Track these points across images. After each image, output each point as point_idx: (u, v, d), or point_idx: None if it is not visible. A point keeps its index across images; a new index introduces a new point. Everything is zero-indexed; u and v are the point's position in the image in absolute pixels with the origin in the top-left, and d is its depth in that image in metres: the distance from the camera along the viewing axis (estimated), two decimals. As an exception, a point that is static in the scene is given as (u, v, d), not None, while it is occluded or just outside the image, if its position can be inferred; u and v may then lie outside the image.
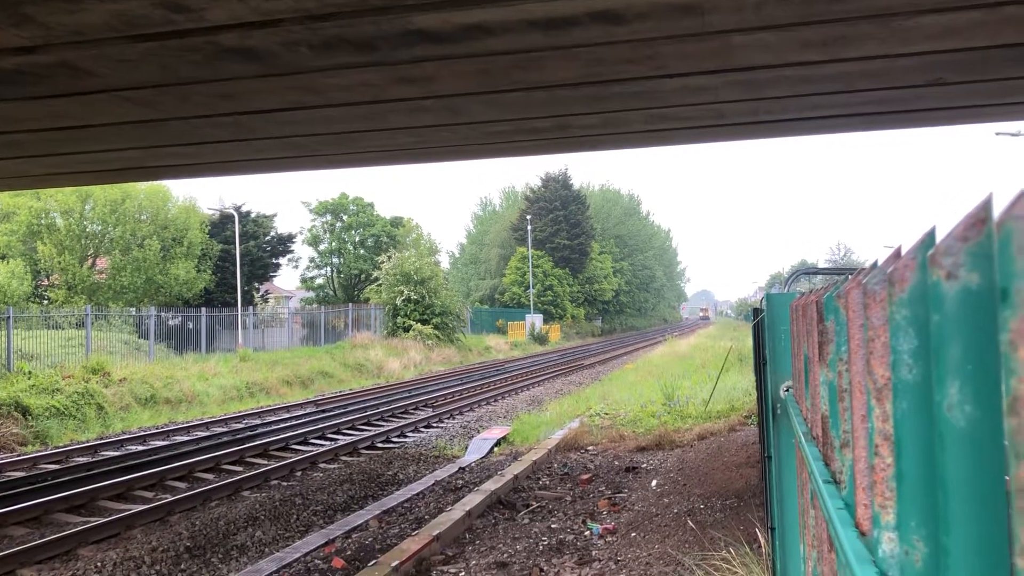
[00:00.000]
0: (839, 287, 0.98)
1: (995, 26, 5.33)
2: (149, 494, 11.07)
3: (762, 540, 5.45)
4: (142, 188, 34.61)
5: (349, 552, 8.38)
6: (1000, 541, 0.42)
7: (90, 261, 34.54)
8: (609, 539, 8.03)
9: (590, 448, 13.17)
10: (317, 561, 8.14)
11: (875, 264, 0.76)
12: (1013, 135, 30.22)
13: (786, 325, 2.10)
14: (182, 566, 8.32)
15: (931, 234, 0.54)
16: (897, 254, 0.67)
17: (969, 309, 0.44)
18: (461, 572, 7.46)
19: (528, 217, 62.16)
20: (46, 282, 34.35)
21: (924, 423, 0.55)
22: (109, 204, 33.38)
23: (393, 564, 7.18)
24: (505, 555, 7.85)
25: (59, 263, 32.45)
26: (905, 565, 0.56)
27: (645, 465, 11.39)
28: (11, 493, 10.45)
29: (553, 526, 8.76)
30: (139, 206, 34.86)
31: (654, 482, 9.97)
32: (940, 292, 0.44)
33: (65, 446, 14.85)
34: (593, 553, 7.65)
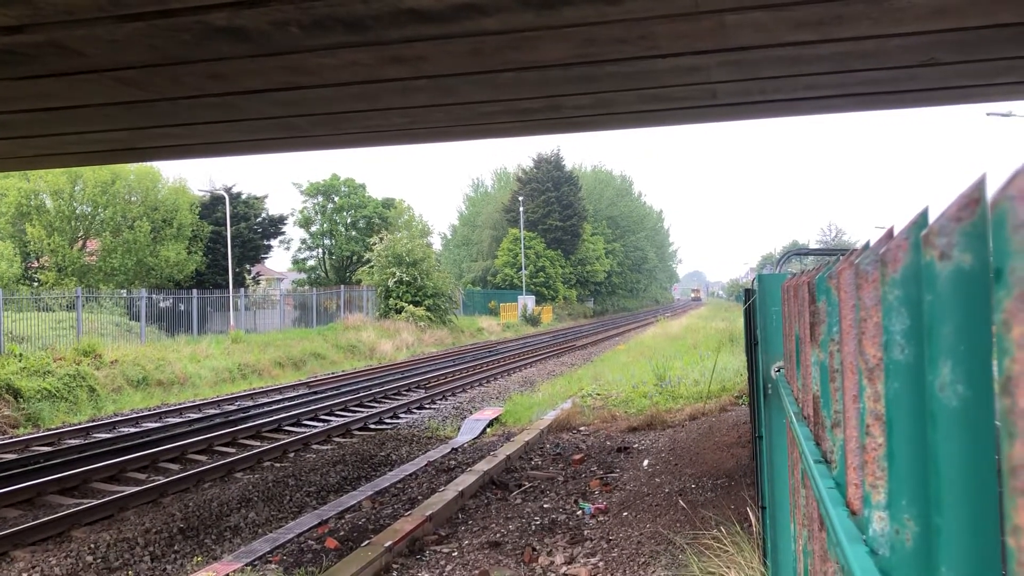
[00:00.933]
0: (831, 268, 0.98)
1: (987, 6, 5.32)
2: (142, 476, 11.08)
3: (753, 519, 5.49)
4: (132, 169, 34.40)
5: (342, 532, 8.42)
6: (991, 520, 0.43)
7: (80, 243, 34.37)
8: (601, 519, 8.08)
9: (582, 428, 13.23)
10: (311, 541, 8.18)
11: (867, 245, 0.76)
12: (1004, 116, 30.23)
13: (777, 306, 2.10)
14: (175, 547, 8.34)
15: (924, 214, 0.54)
16: (889, 235, 0.67)
17: (962, 289, 0.44)
18: (454, 552, 7.50)
19: (520, 198, 62.02)
20: (36, 264, 34.19)
21: (916, 403, 0.55)
22: (99, 185, 33.18)
23: (387, 544, 7.21)
24: (498, 534, 7.89)
25: (49, 245, 32.29)
26: (896, 544, 0.57)
27: (637, 445, 11.44)
28: (4, 475, 10.44)
29: (545, 506, 8.80)
30: (129, 187, 34.67)
31: (646, 462, 10.02)
32: (933, 272, 0.44)
33: (57, 428, 14.83)
34: (585, 532, 7.70)
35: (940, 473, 0.44)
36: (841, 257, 1.04)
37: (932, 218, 0.49)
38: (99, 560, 7.83)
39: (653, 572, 6.13)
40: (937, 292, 0.44)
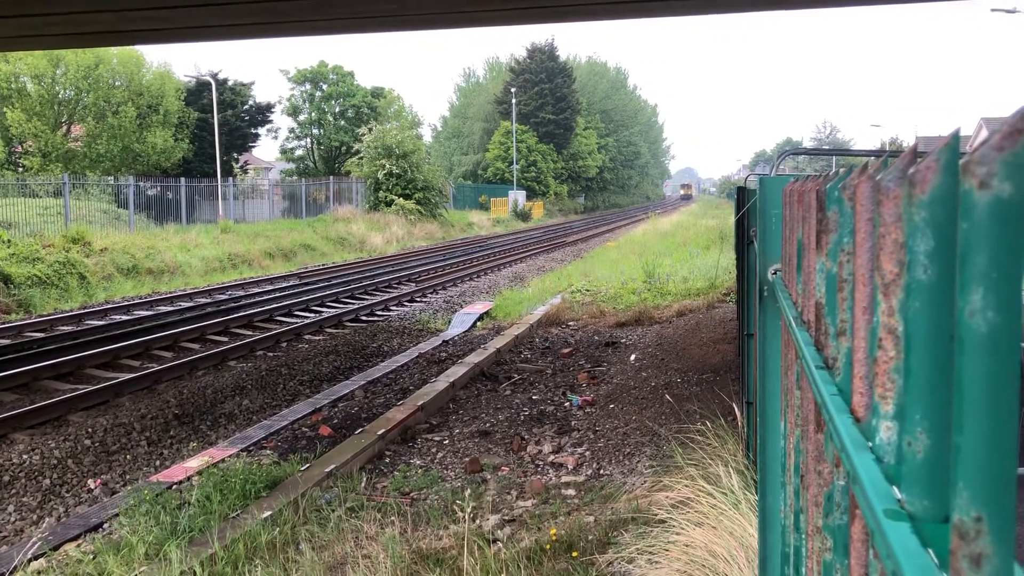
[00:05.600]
0: (843, 178, 0.98)
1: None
2: (135, 363, 11.22)
3: (737, 413, 5.64)
4: (115, 53, 33.42)
5: (336, 420, 8.62)
6: (1011, 442, 0.45)
7: (64, 128, 33.70)
8: (588, 410, 8.29)
9: (571, 323, 13.41)
10: (304, 428, 8.38)
11: (886, 160, 0.76)
12: (1009, 12, 29.53)
13: (778, 209, 2.11)
14: (171, 432, 8.54)
15: (955, 136, 0.54)
16: (913, 153, 0.67)
17: (999, 218, 0.45)
18: (445, 440, 7.72)
19: (513, 90, 60.81)
20: (19, 149, 33.60)
21: (935, 323, 0.57)
22: (82, 69, 32.28)
23: (379, 432, 7.40)
24: (488, 424, 8.11)
25: (30, 129, 31.64)
26: (906, 454, 0.59)
27: (624, 340, 11.63)
28: (-1, 360, 10.56)
29: (534, 397, 9.01)
30: (113, 72, 33.77)
31: (633, 356, 10.21)
32: (971, 200, 0.45)
33: (49, 315, 14.91)
34: (572, 423, 7.92)
35: (964, 395, 0.46)
36: (852, 168, 1.04)
37: (964, 141, 0.50)
38: (97, 444, 8.02)
39: (638, 462, 6.34)
40: (973, 220, 0.45)
